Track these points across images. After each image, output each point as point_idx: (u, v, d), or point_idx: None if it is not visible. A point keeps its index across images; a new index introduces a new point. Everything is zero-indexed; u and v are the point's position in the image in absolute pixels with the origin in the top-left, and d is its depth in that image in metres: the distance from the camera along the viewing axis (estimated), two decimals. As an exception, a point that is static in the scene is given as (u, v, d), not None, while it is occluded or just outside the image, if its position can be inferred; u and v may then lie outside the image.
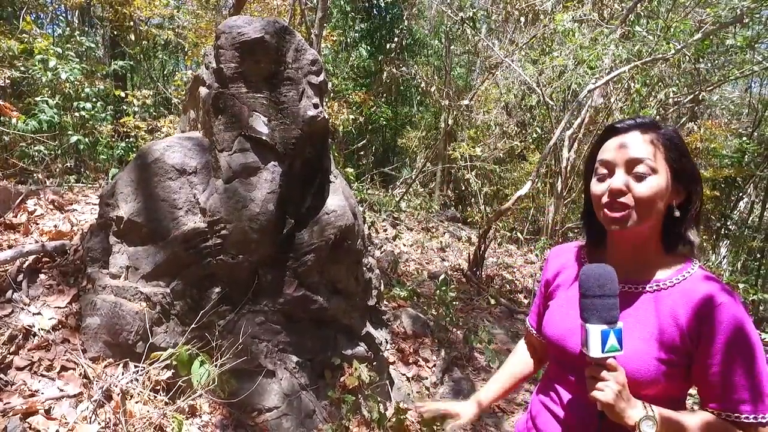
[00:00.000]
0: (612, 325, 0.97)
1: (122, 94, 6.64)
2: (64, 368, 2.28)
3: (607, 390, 0.95)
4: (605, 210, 1.06)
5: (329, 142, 2.93)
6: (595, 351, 0.96)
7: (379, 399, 2.77)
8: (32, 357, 2.27)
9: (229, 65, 2.52)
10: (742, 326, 0.95)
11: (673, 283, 1.04)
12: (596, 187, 1.08)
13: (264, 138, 2.53)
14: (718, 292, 0.98)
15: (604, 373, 0.96)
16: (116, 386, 2.18)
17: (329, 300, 2.76)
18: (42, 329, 2.38)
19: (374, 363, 2.96)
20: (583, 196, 1.21)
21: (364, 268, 3.08)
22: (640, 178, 1.02)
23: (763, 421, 0.93)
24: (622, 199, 1.02)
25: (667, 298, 1.03)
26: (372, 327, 3.13)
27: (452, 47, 11.39)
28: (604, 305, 0.97)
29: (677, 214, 1.06)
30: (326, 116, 2.74)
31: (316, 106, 2.65)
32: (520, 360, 1.43)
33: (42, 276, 2.69)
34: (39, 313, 2.46)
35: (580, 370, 1.04)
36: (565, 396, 1.15)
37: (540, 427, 1.20)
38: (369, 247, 3.31)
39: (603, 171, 1.07)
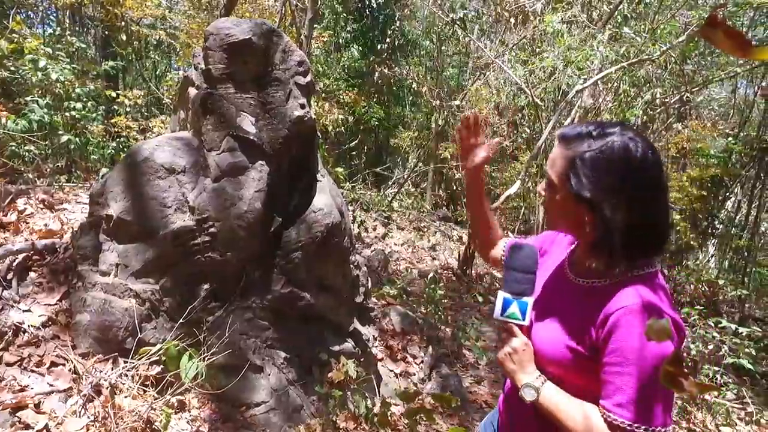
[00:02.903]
0: (518, 296, 1.13)
1: (114, 94, 6.64)
2: (53, 364, 2.31)
3: (501, 351, 1.14)
4: None
5: (316, 142, 2.98)
6: (495, 313, 1.16)
7: (366, 394, 2.82)
8: (22, 353, 2.29)
9: (217, 66, 2.57)
10: (635, 336, 0.96)
11: (606, 284, 1.07)
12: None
13: (252, 138, 2.58)
14: (630, 299, 0.99)
15: (504, 336, 1.14)
16: (105, 381, 2.22)
17: (317, 297, 2.81)
18: (32, 326, 2.41)
19: (362, 359, 3.01)
20: None
21: (352, 266, 3.13)
22: (546, 189, 1.13)
23: (620, 424, 0.95)
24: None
25: (595, 296, 1.07)
26: (360, 324, 3.18)
27: (444, 48, 11.46)
28: (514, 278, 1.15)
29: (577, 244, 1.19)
30: (313, 116, 2.79)
31: (302, 106, 2.70)
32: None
33: (32, 274, 2.71)
34: (29, 310, 2.49)
35: None
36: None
37: (499, 407, 1.36)
38: (356, 245, 3.36)
39: None
